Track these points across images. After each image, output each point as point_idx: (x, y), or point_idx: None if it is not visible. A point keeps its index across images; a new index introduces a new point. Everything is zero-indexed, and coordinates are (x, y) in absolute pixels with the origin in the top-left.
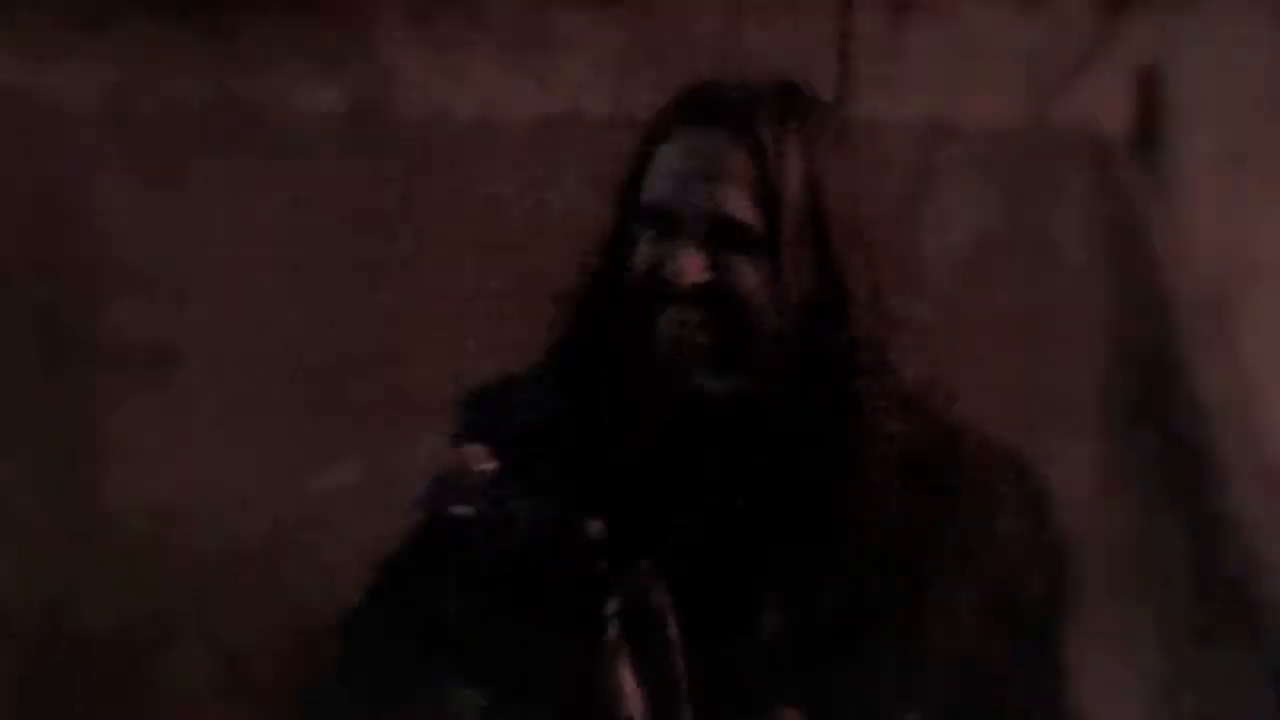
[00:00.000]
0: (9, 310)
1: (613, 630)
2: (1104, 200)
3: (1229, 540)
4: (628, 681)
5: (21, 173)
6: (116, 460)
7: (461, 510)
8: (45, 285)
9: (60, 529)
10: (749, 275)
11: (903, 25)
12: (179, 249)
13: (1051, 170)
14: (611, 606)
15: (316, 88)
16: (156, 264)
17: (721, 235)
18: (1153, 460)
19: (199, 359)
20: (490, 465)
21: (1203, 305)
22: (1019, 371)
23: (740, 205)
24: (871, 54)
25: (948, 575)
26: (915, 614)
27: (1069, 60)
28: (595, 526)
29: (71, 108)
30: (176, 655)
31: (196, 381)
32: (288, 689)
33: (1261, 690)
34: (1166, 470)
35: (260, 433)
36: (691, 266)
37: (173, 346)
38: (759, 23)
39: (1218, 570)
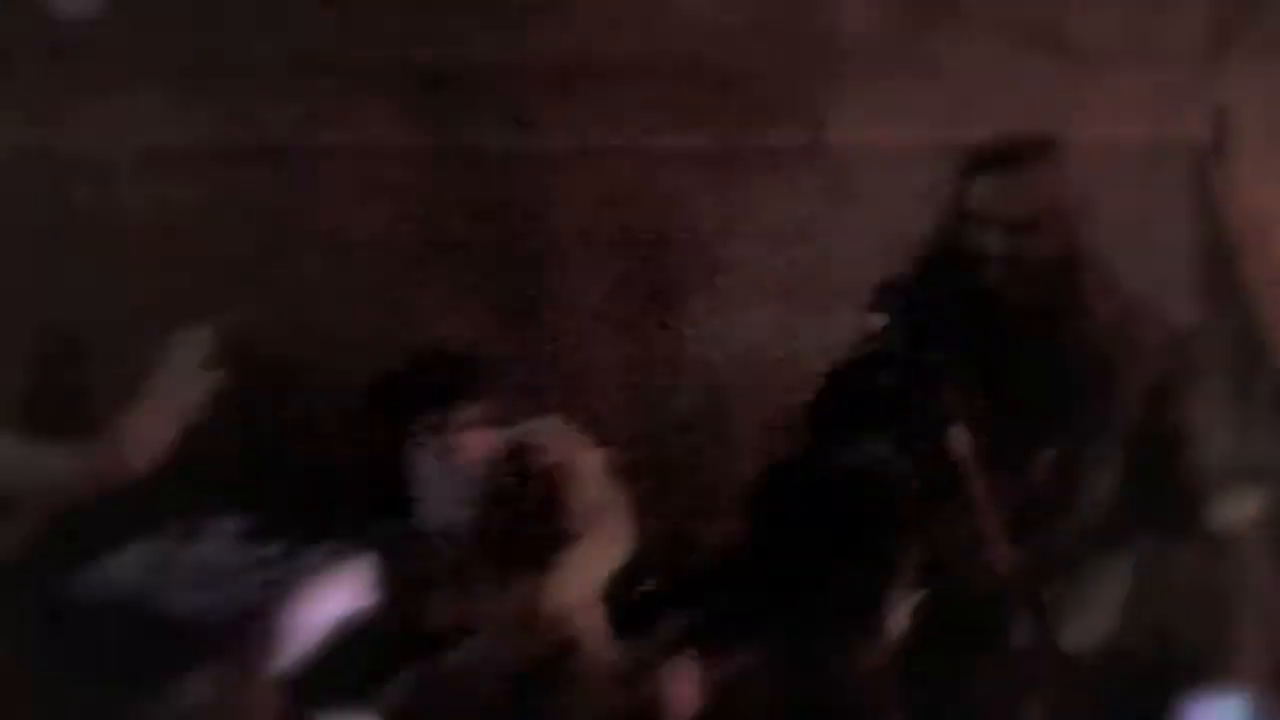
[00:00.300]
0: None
1: (951, 405)
2: (1197, 188)
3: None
4: (959, 429)
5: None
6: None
7: (866, 349)
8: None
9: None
10: (1031, 245)
11: (1072, 76)
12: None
13: (1167, 171)
14: (950, 394)
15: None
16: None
17: (1015, 225)
18: (1223, 321)
19: (740, 277)
20: (883, 324)
21: (1250, 243)
22: (1152, 282)
23: (1021, 209)
24: (1065, 100)
25: (1128, 382)
26: (1108, 399)
27: (1177, 104)
28: (939, 356)
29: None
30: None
31: (736, 294)
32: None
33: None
34: (1230, 325)
35: (763, 320)
36: (1002, 245)
37: (728, 265)
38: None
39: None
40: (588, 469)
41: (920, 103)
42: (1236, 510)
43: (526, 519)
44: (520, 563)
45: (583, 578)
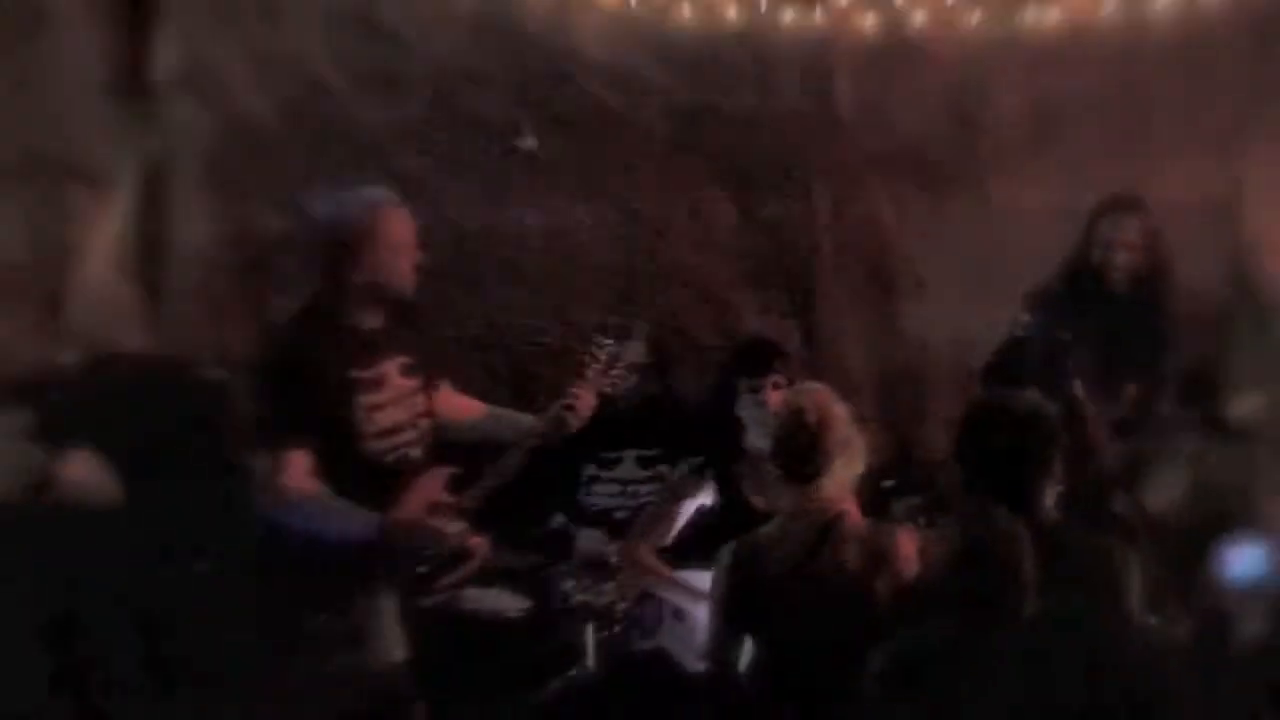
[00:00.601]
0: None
1: (1073, 366)
2: (1224, 228)
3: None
4: (1078, 381)
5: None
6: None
7: (1019, 332)
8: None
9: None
10: (1139, 261)
11: (1144, 161)
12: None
13: (1206, 218)
14: (1072, 359)
15: None
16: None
17: (1132, 247)
18: (1243, 303)
19: (936, 288)
20: (1028, 319)
21: (1254, 260)
22: (1200, 282)
23: (1135, 236)
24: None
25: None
26: (1170, 354)
27: (1209, 176)
28: (1066, 335)
29: None
30: None
31: (935, 299)
32: None
33: None
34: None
35: (953, 315)
36: (1124, 260)
37: (928, 280)
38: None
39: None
40: (839, 415)
41: (1045, 178)
42: (1246, 408)
43: (806, 445)
44: (804, 471)
45: (840, 480)
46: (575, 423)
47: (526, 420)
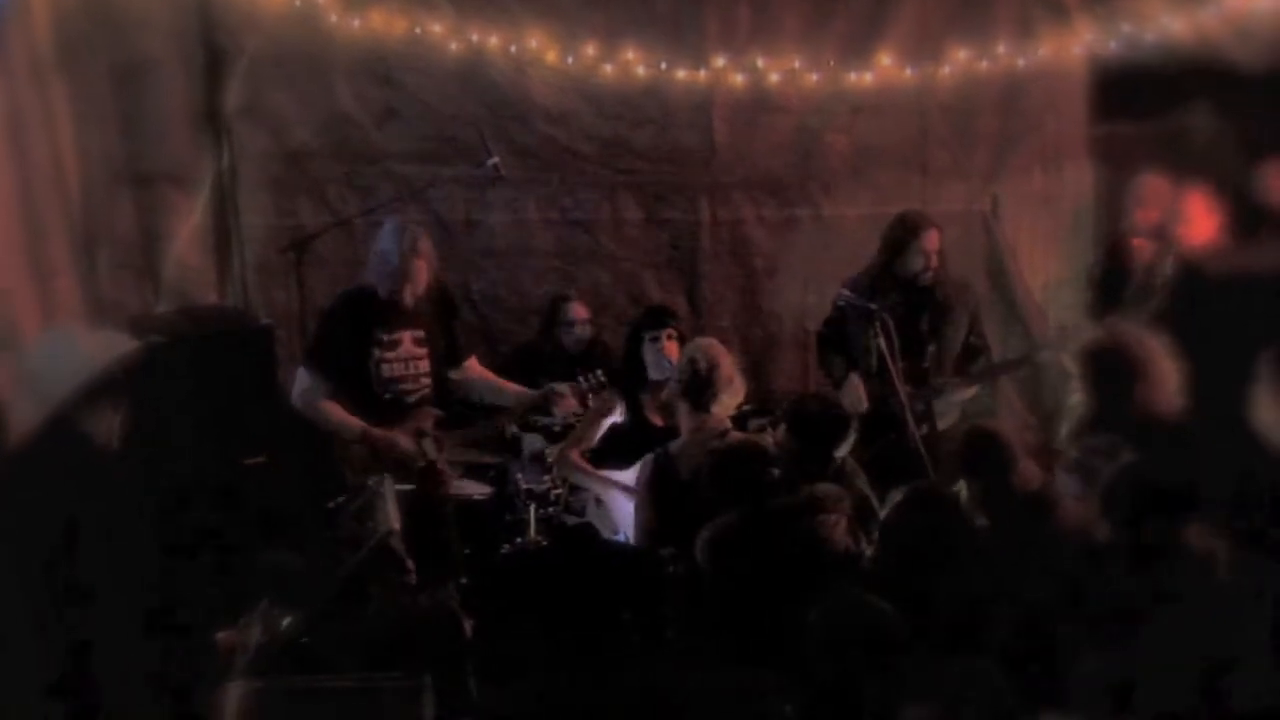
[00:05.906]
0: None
1: (881, 328)
2: (985, 231)
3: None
4: (883, 338)
5: None
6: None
7: (841, 303)
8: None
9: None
10: (939, 262)
11: (932, 186)
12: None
13: (974, 225)
14: (881, 324)
15: None
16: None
17: (936, 254)
18: (996, 285)
19: (784, 276)
20: (848, 295)
21: (1009, 255)
22: (968, 270)
23: (938, 245)
24: (929, 196)
25: (959, 312)
26: (954, 321)
27: (976, 194)
28: (874, 306)
29: None
30: None
31: (784, 284)
32: None
33: None
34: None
35: (794, 295)
36: (934, 263)
37: (779, 269)
38: None
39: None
40: (726, 361)
41: (860, 195)
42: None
43: (703, 383)
44: (701, 402)
45: (726, 408)
46: (559, 414)
47: (524, 396)
